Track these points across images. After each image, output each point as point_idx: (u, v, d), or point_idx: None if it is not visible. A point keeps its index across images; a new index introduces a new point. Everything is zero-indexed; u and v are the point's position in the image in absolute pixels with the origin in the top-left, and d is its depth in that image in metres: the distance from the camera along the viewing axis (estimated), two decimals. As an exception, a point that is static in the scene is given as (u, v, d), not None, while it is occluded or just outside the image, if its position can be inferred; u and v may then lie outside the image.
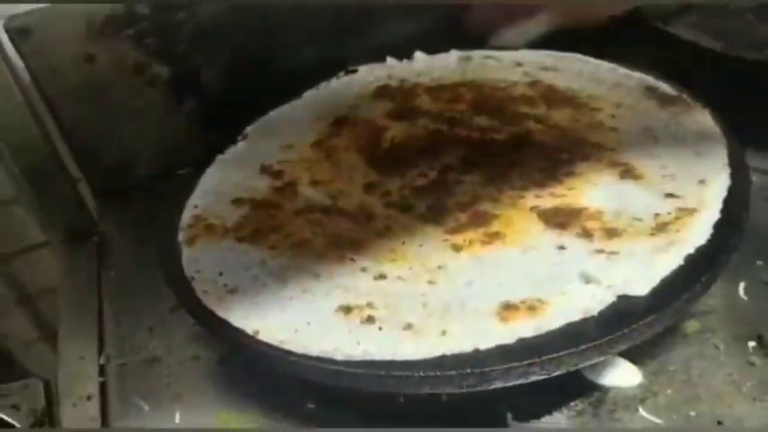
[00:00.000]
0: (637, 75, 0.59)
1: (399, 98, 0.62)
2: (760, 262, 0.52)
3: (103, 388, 0.52)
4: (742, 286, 0.50)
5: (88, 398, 0.51)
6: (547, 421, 0.44)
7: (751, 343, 0.46)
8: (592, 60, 0.62)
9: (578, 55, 0.63)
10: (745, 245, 0.52)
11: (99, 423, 0.50)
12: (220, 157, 0.59)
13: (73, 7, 0.60)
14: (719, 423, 0.42)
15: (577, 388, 0.45)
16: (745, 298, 0.50)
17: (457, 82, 0.62)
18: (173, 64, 0.66)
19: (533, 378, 0.38)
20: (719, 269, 0.41)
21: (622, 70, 0.60)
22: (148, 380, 0.52)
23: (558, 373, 0.38)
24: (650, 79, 0.58)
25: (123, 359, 0.54)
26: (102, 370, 0.53)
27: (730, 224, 0.43)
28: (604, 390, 0.45)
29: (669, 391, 0.44)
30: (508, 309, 0.39)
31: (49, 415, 0.49)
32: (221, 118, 0.69)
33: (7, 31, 0.59)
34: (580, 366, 0.39)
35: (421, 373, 0.38)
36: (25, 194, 0.69)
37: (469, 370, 0.37)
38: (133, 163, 0.70)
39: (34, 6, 0.59)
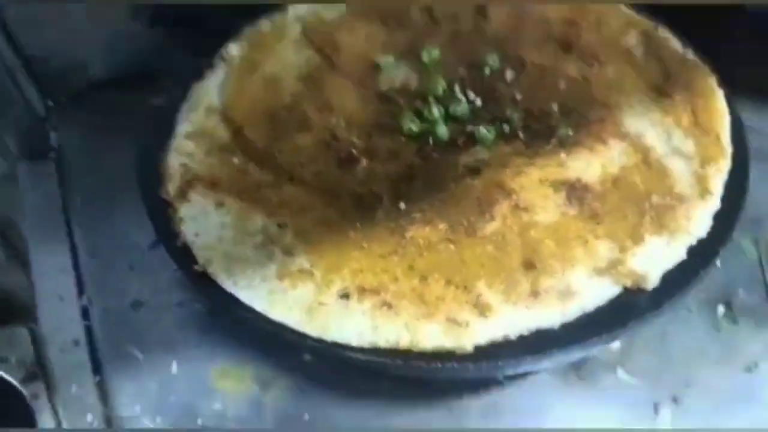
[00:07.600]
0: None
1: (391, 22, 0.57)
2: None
3: (89, 332, 0.51)
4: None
5: (75, 343, 0.51)
6: (534, 379, 0.47)
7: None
8: None
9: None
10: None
11: (90, 370, 0.49)
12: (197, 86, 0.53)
13: None
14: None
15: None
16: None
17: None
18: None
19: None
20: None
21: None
22: (136, 326, 0.51)
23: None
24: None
25: (106, 303, 0.53)
26: (85, 313, 0.52)
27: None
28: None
29: (643, 355, 0.48)
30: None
31: (39, 365, 0.48)
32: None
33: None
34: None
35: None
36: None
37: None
38: (85, 66, 0.64)
39: None
